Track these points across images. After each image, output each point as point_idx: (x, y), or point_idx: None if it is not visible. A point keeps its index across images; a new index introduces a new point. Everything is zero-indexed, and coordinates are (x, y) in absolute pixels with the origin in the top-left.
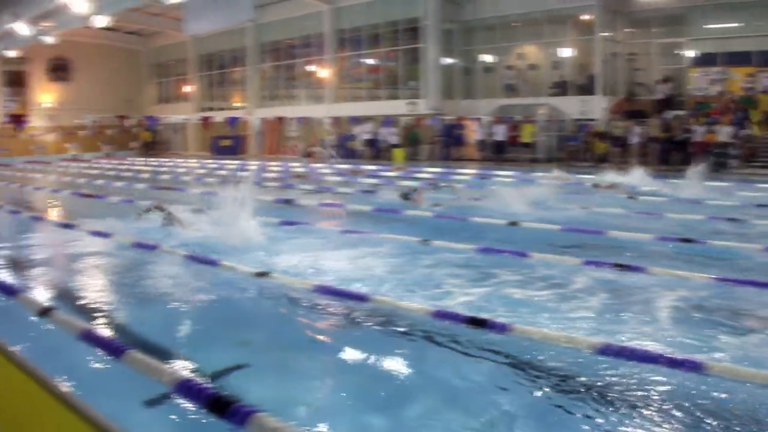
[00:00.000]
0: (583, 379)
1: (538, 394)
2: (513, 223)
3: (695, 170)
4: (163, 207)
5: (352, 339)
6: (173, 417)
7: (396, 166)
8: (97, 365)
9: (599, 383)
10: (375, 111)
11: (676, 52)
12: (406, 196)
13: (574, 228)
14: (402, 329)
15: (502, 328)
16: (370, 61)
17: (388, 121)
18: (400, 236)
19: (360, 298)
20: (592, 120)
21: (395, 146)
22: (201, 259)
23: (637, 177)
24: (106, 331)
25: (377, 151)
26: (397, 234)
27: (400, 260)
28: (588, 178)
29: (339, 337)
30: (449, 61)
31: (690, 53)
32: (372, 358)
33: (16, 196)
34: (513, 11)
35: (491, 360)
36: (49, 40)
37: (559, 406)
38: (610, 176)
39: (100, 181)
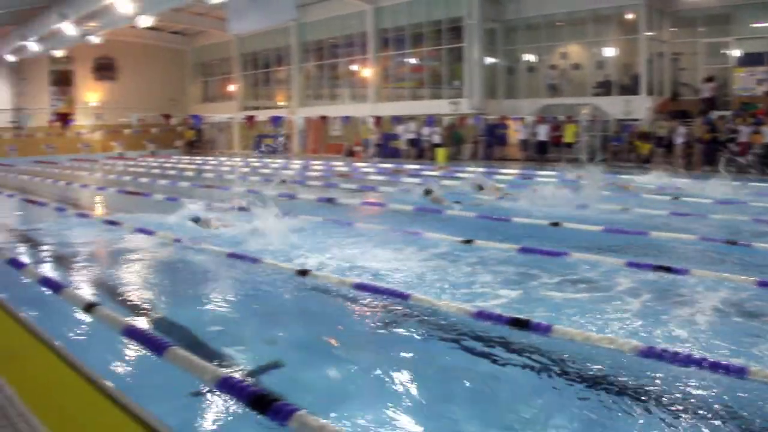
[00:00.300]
0: (624, 381)
1: (579, 395)
2: (555, 224)
3: (739, 171)
4: (208, 221)
5: (391, 338)
6: (214, 413)
7: (438, 166)
8: (139, 361)
9: (641, 386)
10: (417, 110)
11: (721, 51)
12: (428, 192)
13: (617, 229)
14: (442, 328)
15: (544, 330)
16: (413, 61)
17: (431, 120)
18: (442, 235)
19: (400, 296)
20: (636, 120)
21: (438, 146)
22: (242, 256)
23: (675, 177)
24: (148, 327)
25: (420, 150)
26: (438, 233)
27: (440, 259)
28: (631, 179)
29: (378, 336)
30: (492, 60)
31: (736, 53)
32: (411, 357)
33: (62, 193)
34: (556, 10)
35: (532, 361)
36: (94, 40)
37: (600, 409)
38: (650, 177)
39: (144, 179)
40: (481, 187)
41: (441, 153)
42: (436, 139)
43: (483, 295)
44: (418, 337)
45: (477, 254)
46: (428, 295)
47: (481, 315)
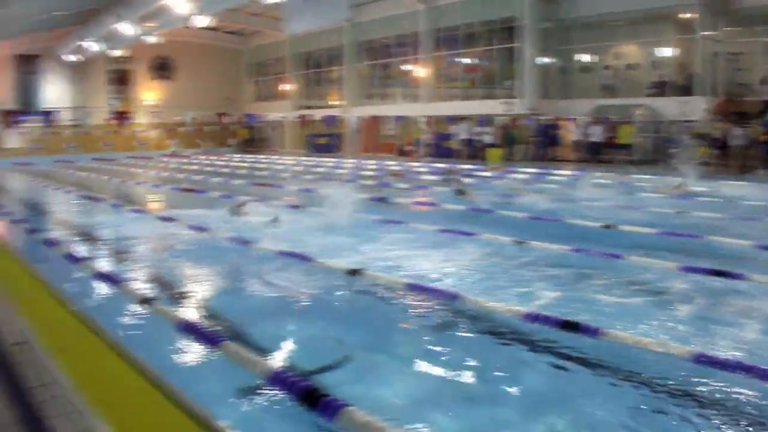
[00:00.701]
0: (675, 386)
1: (630, 400)
2: (608, 226)
3: None
4: (240, 208)
5: (441, 338)
6: (265, 407)
7: (491, 166)
8: (194, 355)
9: (692, 392)
10: (470, 111)
11: None
12: (460, 192)
13: (671, 232)
14: (492, 330)
15: (594, 333)
16: (466, 61)
17: (484, 120)
18: (494, 235)
19: (451, 296)
20: (692, 121)
21: (491, 146)
22: (295, 255)
23: (731, 180)
24: (201, 322)
25: (473, 150)
26: (490, 233)
27: (492, 260)
28: (684, 181)
29: (428, 336)
30: (546, 60)
31: None
32: (461, 358)
33: (119, 190)
34: (611, 9)
35: (583, 364)
36: (151, 39)
37: (651, 414)
38: (704, 179)
39: (198, 177)
40: (460, 192)
41: (494, 153)
42: (489, 139)
43: (532, 296)
44: (466, 337)
45: (530, 254)
46: (479, 297)
47: (531, 317)
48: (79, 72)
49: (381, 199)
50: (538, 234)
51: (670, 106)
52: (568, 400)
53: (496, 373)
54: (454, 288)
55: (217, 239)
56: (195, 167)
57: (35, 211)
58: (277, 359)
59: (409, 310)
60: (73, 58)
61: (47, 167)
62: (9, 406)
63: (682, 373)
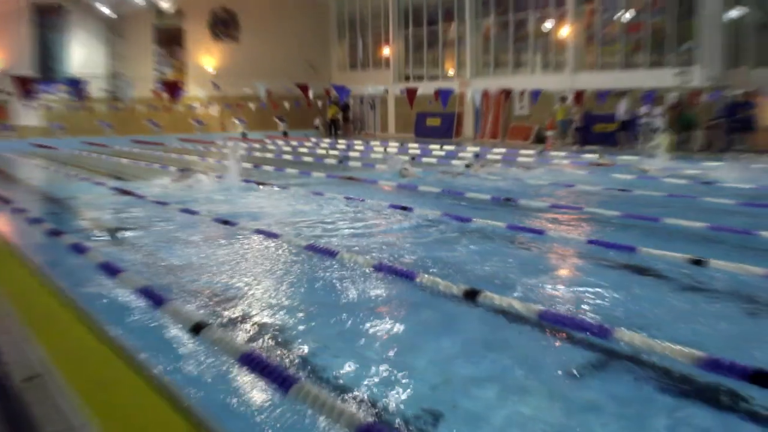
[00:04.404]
0: None
1: None
2: None
3: None
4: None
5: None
6: None
7: (659, 157)
8: (260, 398)
9: None
10: (631, 83)
11: None
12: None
13: None
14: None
15: None
16: (627, 16)
17: (650, 96)
18: (666, 252)
19: (602, 333)
20: None
21: (659, 130)
22: (397, 271)
23: None
24: (269, 355)
25: (634, 136)
26: (661, 249)
27: (667, 284)
28: None
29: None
30: (736, 13)
31: None
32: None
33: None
34: None
35: None
36: None
37: None
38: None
39: (270, 167)
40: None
41: (663, 141)
42: (657, 122)
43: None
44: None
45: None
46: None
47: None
48: (117, 29)
49: (507, 200)
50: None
51: None
52: None
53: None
54: (598, 319)
55: (290, 246)
56: (270, 155)
57: (57, 207)
58: (363, 406)
59: (542, 343)
60: (108, 10)
61: (74, 151)
62: None
63: None
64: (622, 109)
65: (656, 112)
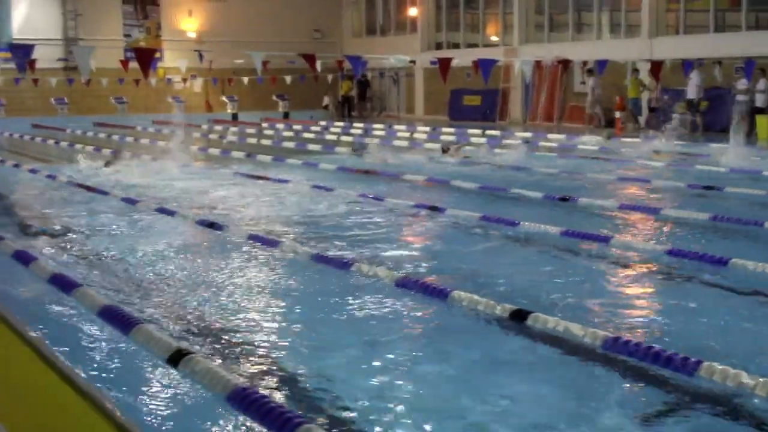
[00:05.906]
0: None
1: None
2: None
3: None
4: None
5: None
6: None
7: (760, 144)
8: None
9: None
10: (724, 51)
11: None
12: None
13: None
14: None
15: None
16: None
17: (750, 67)
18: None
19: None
20: None
21: (760, 111)
22: (424, 289)
23: None
24: (270, 389)
25: (727, 117)
26: (744, 259)
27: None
28: None
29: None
30: None
31: None
32: None
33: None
34: None
35: None
36: None
37: None
38: None
39: (269, 158)
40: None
41: (763, 123)
42: (761, 100)
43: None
44: None
45: None
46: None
47: None
48: None
49: (562, 199)
50: None
51: None
52: None
53: None
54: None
55: (295, 257)
56: (268, 142)
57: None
58: None
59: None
60: None
61: (19, 137)
62: None
63: None
64: (698, 84)
65: (761, 86)
